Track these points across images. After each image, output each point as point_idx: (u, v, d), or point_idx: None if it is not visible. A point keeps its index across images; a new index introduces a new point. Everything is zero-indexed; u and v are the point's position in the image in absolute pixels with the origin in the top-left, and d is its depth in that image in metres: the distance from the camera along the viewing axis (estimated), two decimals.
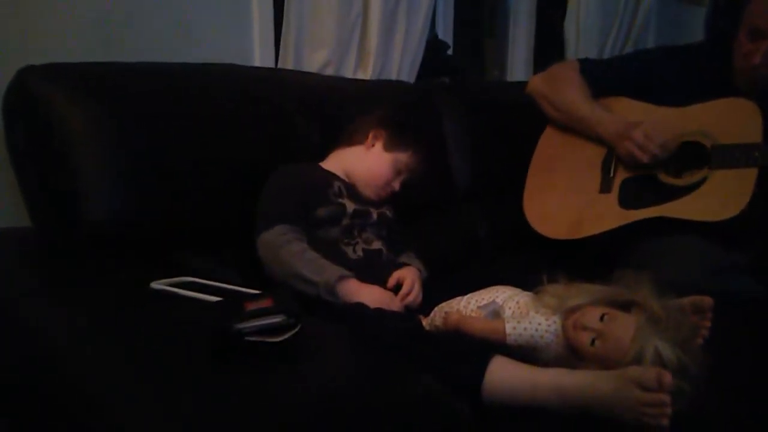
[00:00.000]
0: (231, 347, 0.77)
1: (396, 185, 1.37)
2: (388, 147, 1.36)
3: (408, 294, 1.21)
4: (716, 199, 1.43)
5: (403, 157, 1.36)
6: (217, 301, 0.86)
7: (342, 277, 1.15)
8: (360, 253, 1.27)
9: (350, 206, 1.29)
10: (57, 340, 0.84)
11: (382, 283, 1.21)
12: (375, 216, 1.33)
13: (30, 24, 1.25)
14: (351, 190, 1.33)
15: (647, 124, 1.53)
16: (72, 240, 1.07)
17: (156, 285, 0.92)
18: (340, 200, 1.29)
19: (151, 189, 1.13)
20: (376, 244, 1.31)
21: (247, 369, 0.76)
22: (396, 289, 1.22)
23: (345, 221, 1.28)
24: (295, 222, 1.22)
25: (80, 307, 0.90)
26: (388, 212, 1.38)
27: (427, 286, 1.26)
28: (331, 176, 1.34)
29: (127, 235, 1.10)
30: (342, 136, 1.41)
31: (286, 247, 1.17)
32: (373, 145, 1.36)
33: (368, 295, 1.14)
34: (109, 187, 1.08)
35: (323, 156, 1.40)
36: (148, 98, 1.17)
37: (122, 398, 0.71)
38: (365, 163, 1.36)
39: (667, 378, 0.82)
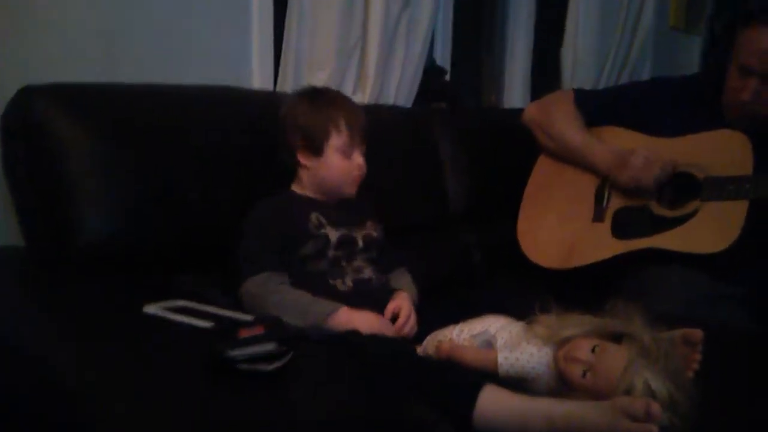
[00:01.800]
0: (223, 374, 0.77)
1: (358, 160, 1.28)
2: (314, 152, 1.26)
3: (404, 325, 1.20)
4: (708, 231, 1.44)
5: (334, 140, 1.25)
6: (210, 327, 0.86)
7: (330, 314, 1.14)
8: (350, 283, 1.24)
9: (333, 235, 1.25)
10: (48, 363, 0.83)
11: (375, 309, 1.20)
12: (360, 242, 1.29)
13: (30, 42, 1.25)
14: (329, 214, 1.27)
15: (643, 150, 1.55)
16: (65, 261, 1.07)
17: (149, 309, 0.92)
18: (322, 231, 1.24)
19: (146, 211, 1.13)
20: (367, 272, 1.27)
21: (239, 396, 0.76)
22: (392, 318, 1.21)
23: (330, 253, 1.24)
24: (273, 267, 1.18)
25: (72, 330, 0.89)
26: (373, 232, 1.33)
27: (420, 311, 1.26)
28: (307, 204, 1.28)
29: (121, 257, 1.10)
30: (281, 160, 1.32)
31: (266, 299, 1.14)
32: (305, 159, 1.27)
33: (361, 322, 1.13)
34: (105, 209, 1.08)
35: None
36: (145, 120, 1.18)
37: (114, 422, 0.70)
38: (317, 175, 1.28)
39: (656, 408, 0.83)
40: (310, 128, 1.26)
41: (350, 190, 1.30)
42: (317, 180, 1.29)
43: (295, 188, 1.32)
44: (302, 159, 1.28)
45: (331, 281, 1.23)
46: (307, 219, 1.25)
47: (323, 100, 1.30)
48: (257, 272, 1.17)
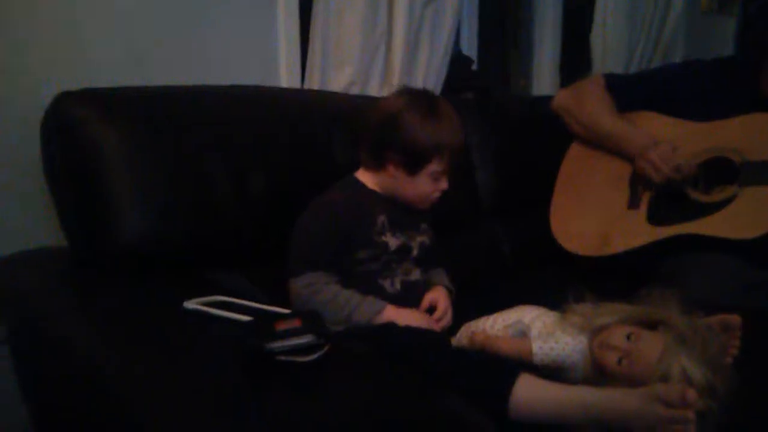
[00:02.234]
0: (262, 366, 0.79)
1: (444, 185, 1.23)
2: (412, 170, 1.19)
3: (441, 317, 1.21)
4: (746, 216, 1.42)
5: (433, 166, 1.19)
6: (249, 321, 0.88)
7: (376, 313, 1.14)
8: (398, 285, 1.22)
9: (393, 243, 1.21)
10: (94, 358, 0.86)
11: (418, 307, 1.21)
12: (416, 250, 1.26)
13: (65, 51, 1.30)
14: (393, 216, 1.22)
15: (666, 144, 1.53)
16: (106, 260, 1.09)
17: (188, 305, 0.94)
18: (383, 238, 1.20)
19: (183, 209, 1.15)
20: (415, 274, 1.25)
21: (279, 388, 0.77)
22: (429, 311, 1.22)
23: (385, 257, 1.21)
24: (325, 267, 1.16)
25: (116, 327, 0.92)
26: (427, 240, 1.29)
27: (453, 303, 1.26)
28: (375, 203, 1.22)
29: (159, 255, 1.12)
30: (360, 157, 1.27)
31: (314, 299, 1.13)
32: (398, 174, 1.20)
33: (404, 320, 1.13)
34: (142, 207, 1.11)
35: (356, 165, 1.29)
36: (178, 120, 1.20)
37: (160, 416, 0.73)
38: (401, 188, 1.22)
39: (692, 395, 0.82)
40: (414, 147, 1.17)
41: (423, 207, 1.26)
42: (394, 189, 1.23)
43: (363, 179, 1.26)
44: (392, 169, 1.20)
45: (380, 281, 1.21)
46: (373, 222, 1.20)
47: (436, 118, 1.18)
48: (305, 270, 1.15)
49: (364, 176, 1.26)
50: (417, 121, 1.17)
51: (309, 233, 1.19)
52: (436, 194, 1.24)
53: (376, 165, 1.23)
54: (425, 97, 1.23)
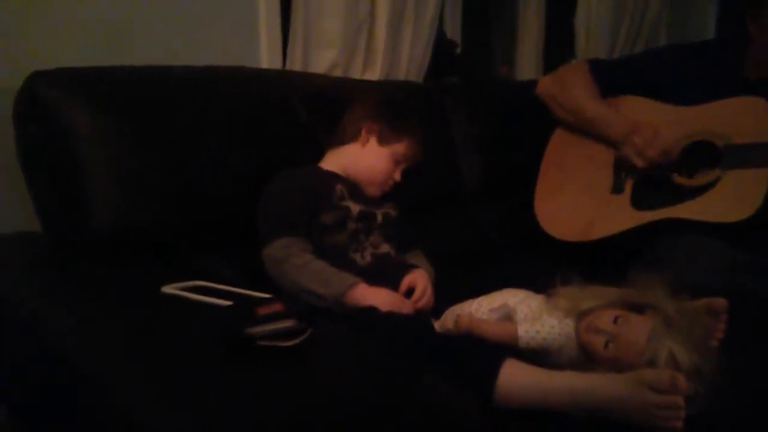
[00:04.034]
0: (243, 351, 0.77)
1: (397, 176, 1.36)
2: (383, 141, 1.33)
3: (420, 298, 1.20)
4: (730, 199, 1.42)
5: (400, 147, 1.34)
6: (229, 306, 0.86)
7: (349, 287, 1.13)
8: (368, 258, 1.25)
9: (354, 208, 1.27)
10: (68, 341, 0.84)
11: (392, 285, 1.19)
12: (380, 218, 1.32)
13: (35, 29, 1.25)
14: (353, 189, 1.30)
15: (649, 128, 1.53)
16: (82, 245, 1.07)
17: (167, 290, 0.92)
18: (343, 203, 1.26)
19: (160, 192, 1.13)
20: (384, 247, 1.29)
21: (259, 372, 0.76)
22: (408, 293, 1.21)
23: (351, 225, 1.25)
24: (297, 232, 1.19)
25: (92, 312, 0.90)
26: (391, 211, 1.35)
27: (437, 287, 1.25)
28: (333, 177, 1.31)
29: (136, 238, 1.10)
30: (335, 134, 1.38)
31: (289, 262, 1.15)
32: (367, 141, 1.33)
33: (378, 298, 1.13)
34: (118, 190, 1.08)
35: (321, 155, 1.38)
36: (155, 101, 1.17)
37: (137, 400, 0.71)
38: (363, 160, 1.33)
39: (681, 380, 0.81)
40: (395, 125, 1.34)
41: (374, 191, 1.34)
42: (355, 164, 1.33)
43: (322, 165, 1.35)
44: (364, 135, 1.33)
45: (351, 254, 1.23)
46: (331, 189, 1.27)
47: (414, 129, 1.37)
48: (278, 236, 1.18)
49: (321, 164, 1.36)
50: (389, 113, 1.36)
51: (277, 199, 1.24)
52: (390, 182, 1.35)
53: (351, 135, 1.35)
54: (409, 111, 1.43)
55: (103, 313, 0.89)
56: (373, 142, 1.33)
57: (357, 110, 1.37)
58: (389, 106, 1.38)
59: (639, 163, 1.54)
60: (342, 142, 1.36)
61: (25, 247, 1.14)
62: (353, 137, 1.34)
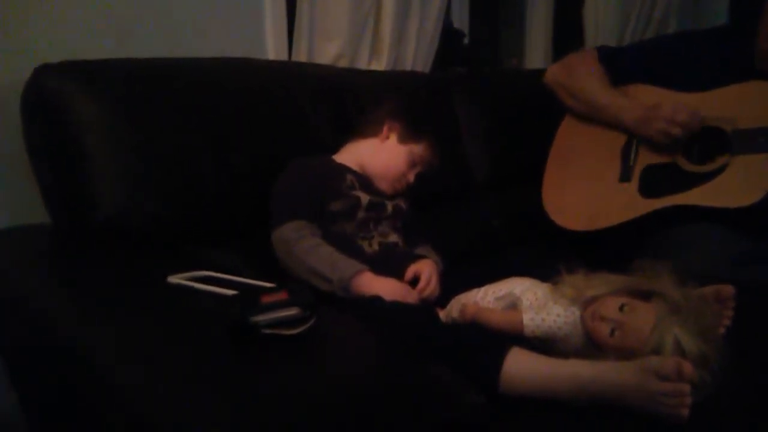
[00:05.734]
0: (248, 340, 0.77)
1: (411, 177, 1.37)
2: (403, 139, 1.36)
3: (425, 287, 1.20)
4: (738, 185, 1.40)
5: (417, 149, 1.36)
6: (233, 295, 0.86)
7: (357, 273, 1.14)
8: (376, 246, 1.26)
9: (364, 198, 1.28)
10: (76, 333, 0.84)
11: (398, 275, 1.20)
12: (390, 208, 1.33)
13: (41, 21, 1.26)
14: (364, 181, 1.32)
15: (666, 105, 1.51)
16: (88, 235, 1.07)
17: (172, 279, 0.92)
18: (353, 192, 1.28)
19: (165, 183, 1.13)
20: (392, 237, 1.30)
21: (265, 360, 0.76)
22: (413, 282, 1.21)
23: (360, 214, 1.27)
24: (309, 217, 1.21)
25: (98, 302, 0.90)
26: (402, 204, 1.37)
27: (443, 277, 1.25)
28: (344, 168, 1.32)
29: (142, 229, 1.10)
30: (355, 129, 1.40)
31: (300, 243, 1.16)
32: (387, 138, 1.36)
33: (384, 287, 1.13)
34: (124, 181, 1.09)
35: (337, 149, 1.39)
36: (161, 93, 1.17)
37: (144, 389, 0.71)
38: (380, 155, 1.35)
39: (687, 368, 0.81)
40: (415, 127, 1.38)
41: (385, 187, 1.35)
42: (371, 157, 1.35)
43: (335, 158, 1.37)
44: (385, 131, 1.35)
45: (359, 242, 1.25)
46: (342, 178, 1.29)
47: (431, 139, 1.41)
48: (289, 219, 1.19)
49: (337, 156, 1.37)
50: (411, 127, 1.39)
51: (290, 185, 1.25)
52: (403, 181, 1.36)
53: (372, 130, 1.37)
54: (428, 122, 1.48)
55: (109, 304, 0.89)
56: (393, 138, 1.36)
57: (381, 108, 1.41)
58: (413, 108, 1.43)
59: (674, 131, 1.48)
60: (361, 136, 1.38)
61: (33, 239, 1.14)
62: (374, 133, 1.37)
